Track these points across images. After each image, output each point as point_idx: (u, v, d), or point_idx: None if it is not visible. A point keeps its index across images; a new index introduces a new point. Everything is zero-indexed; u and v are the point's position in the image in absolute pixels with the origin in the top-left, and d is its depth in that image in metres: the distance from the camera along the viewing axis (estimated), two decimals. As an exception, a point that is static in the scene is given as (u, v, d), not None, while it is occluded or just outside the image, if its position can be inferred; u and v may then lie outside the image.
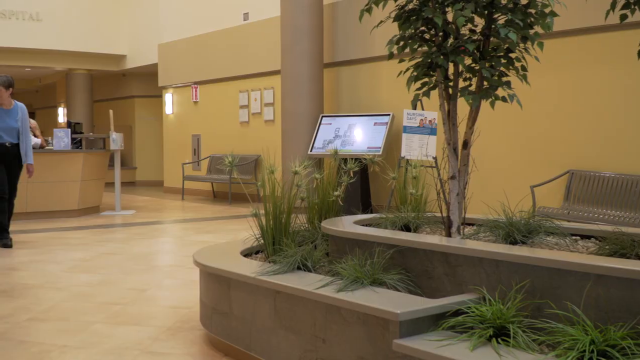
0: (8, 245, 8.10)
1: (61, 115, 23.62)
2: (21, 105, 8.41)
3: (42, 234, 9.28)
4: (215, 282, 4.15)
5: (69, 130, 11.59)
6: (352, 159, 4.94)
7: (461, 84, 3.99)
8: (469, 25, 3.92)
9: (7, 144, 8.14)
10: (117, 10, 18.99)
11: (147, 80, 19.98)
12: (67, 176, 11.24)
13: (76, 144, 11.99)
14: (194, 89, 16.13)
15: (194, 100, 16.19)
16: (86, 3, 18.47)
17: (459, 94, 3.91)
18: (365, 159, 5.09)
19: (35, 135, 10.66)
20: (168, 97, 17.24)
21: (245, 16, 14.57)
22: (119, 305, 5.32)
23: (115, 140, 12.13)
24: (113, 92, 21.81)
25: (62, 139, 11.20)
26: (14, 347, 4.29)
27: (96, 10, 18.60)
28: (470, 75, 3.97)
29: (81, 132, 13.50)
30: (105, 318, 4.96)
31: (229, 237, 8.81)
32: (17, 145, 8.21)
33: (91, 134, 17.19)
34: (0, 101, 8.20)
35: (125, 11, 19.03)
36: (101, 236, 9.37)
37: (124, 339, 4.42)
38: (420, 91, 4.06)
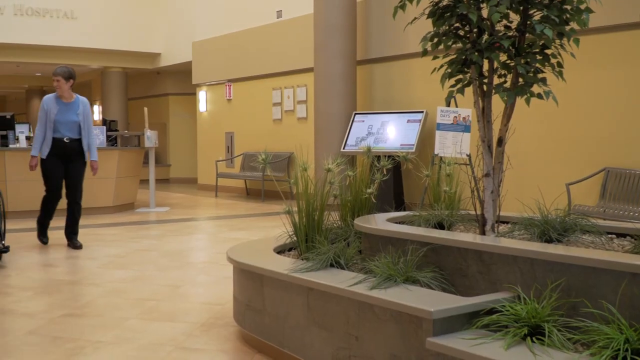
0: (44, 241, 8.09)
1: (96, 112, 23.88)
2: (83, 99, 7.95)
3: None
4: (249, 278, 4.16)
5: (104, 127, 11.71)
6: (385, 156, 4.92)
7: (496, 80, 3.96)
8: (504, 22, 3.89)
9: (65, 139, 7.67)
10: (152, 8, 19.14)
11: (181, 78, 20.12)
12: (102, 173, 11.29)
13: (111, 141, 12.11)
14: (227, 87, 16.20)
15: (228, 97, 16.26)
16: (121, 1, 18.64)
17: (493, 91, 3.88)
18: (398, 156, 5.07)
19: None
20: (202, 95, 17.35)
21: (279, 14, 14.60)
22: (153, 302, 5.37)
23: (150, 137, 12.24)
24: (147, 90, 22.00)
25: (97, 136, 11.30)
26: (48, 343, 4.34)
27: (131, 8, 18.77)
28: (505, 71, 3.94)
29: (116, 130, 13.66)
30: (139, 314, 5.00)
31: (262, 234, 8.84)
32: (78, 140, 7.75)
33: (126, 131, 17.42)
34: (60, 93, 7.73)
35: (159, 9, 19.17)
36: (136, 233, 9.45)
37: (158, 335, 4.46)
38: (455, 88, 4.04)
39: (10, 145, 10.76)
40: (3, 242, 6.92)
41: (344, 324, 3.38)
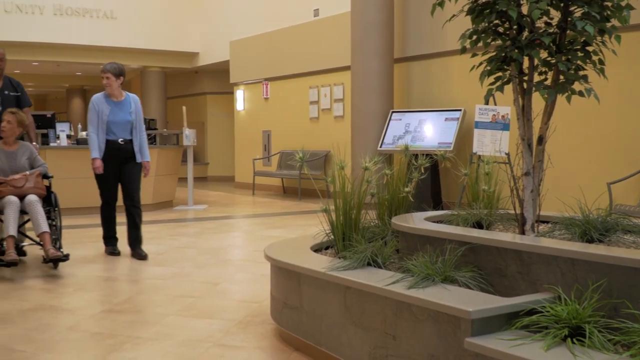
0: (115, 253, 7.41)
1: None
2: (133, 96, 7.40)
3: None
4: (286, 276, 4.17)
5: (144, 126, 11.79)
6: (422, 154, 4.90)
7: (536, 78, 3.91)
8: (545, 18, 3.84)
9: (120, 140, 7.15)
10: (190, 8, 19.27)
11: (219, 77, 20.25)
12: (141, 171, 11.45)
13: (150, 139, 12.22)
14: (264, 86, 16.26)
15: (265, 96, 16.31)
16: (159, 1, 18.80)
17: (534, 89, 3.83)
18: (436, 154, 5.04)
19: None
20: (239, 94, 17.43)
21: (316, 12, 14.61)
22: (191, 299, 5.41)
23: (188, 136, 12.33)
24: (186, 89, 22.18)
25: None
26: (88, 339, 4.40)
27: (169, 8, 18.92)
28: (546, 69, 3.89)
29: (155, 128, 13.79)
30: (178, 311, 5.04)
31: (299, 232, 8.86)
32: (132, 141, 7.28)
33: (165, 130, 17.55)
34: (109, 91, 7.17)
35: (197, 9, 19.30)
36: (174, 230, 9.53)
37: (197, 332, 4.49)
38: (494, 86, 4.00)
39: (52, 144, 10.91)
40: (62, 250, 6.52)
41: (381, 323, 3.37)
